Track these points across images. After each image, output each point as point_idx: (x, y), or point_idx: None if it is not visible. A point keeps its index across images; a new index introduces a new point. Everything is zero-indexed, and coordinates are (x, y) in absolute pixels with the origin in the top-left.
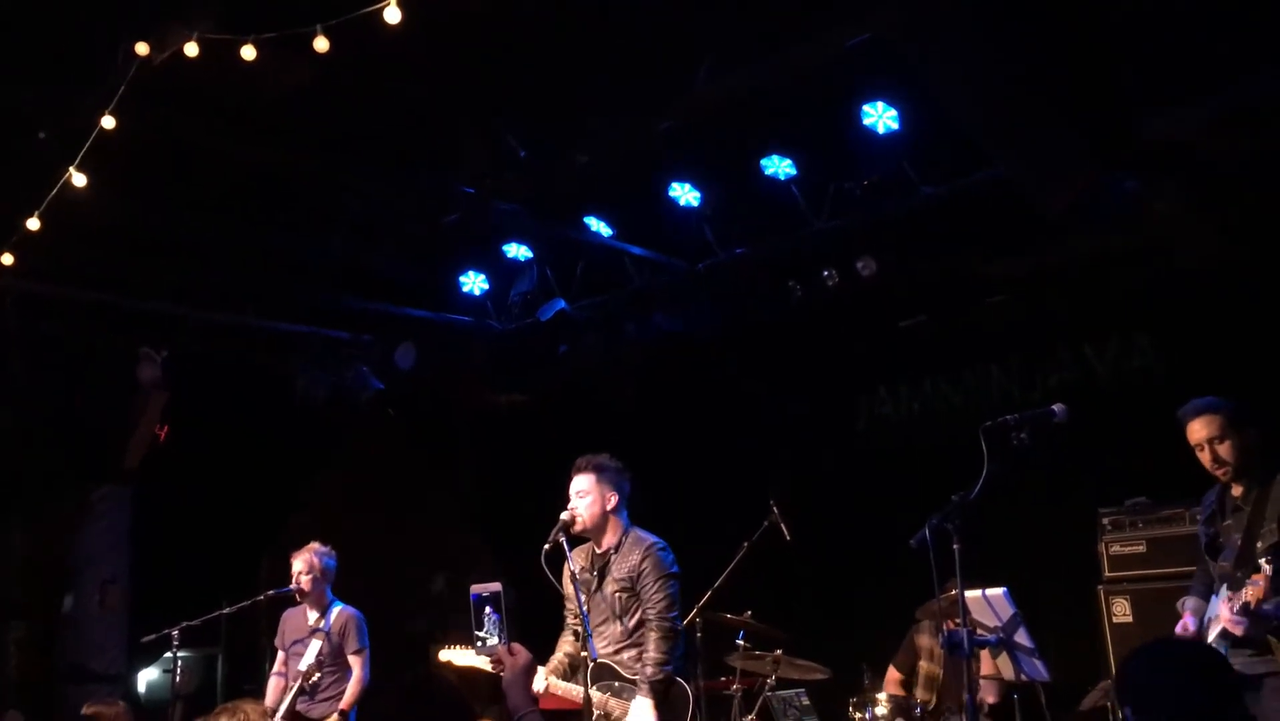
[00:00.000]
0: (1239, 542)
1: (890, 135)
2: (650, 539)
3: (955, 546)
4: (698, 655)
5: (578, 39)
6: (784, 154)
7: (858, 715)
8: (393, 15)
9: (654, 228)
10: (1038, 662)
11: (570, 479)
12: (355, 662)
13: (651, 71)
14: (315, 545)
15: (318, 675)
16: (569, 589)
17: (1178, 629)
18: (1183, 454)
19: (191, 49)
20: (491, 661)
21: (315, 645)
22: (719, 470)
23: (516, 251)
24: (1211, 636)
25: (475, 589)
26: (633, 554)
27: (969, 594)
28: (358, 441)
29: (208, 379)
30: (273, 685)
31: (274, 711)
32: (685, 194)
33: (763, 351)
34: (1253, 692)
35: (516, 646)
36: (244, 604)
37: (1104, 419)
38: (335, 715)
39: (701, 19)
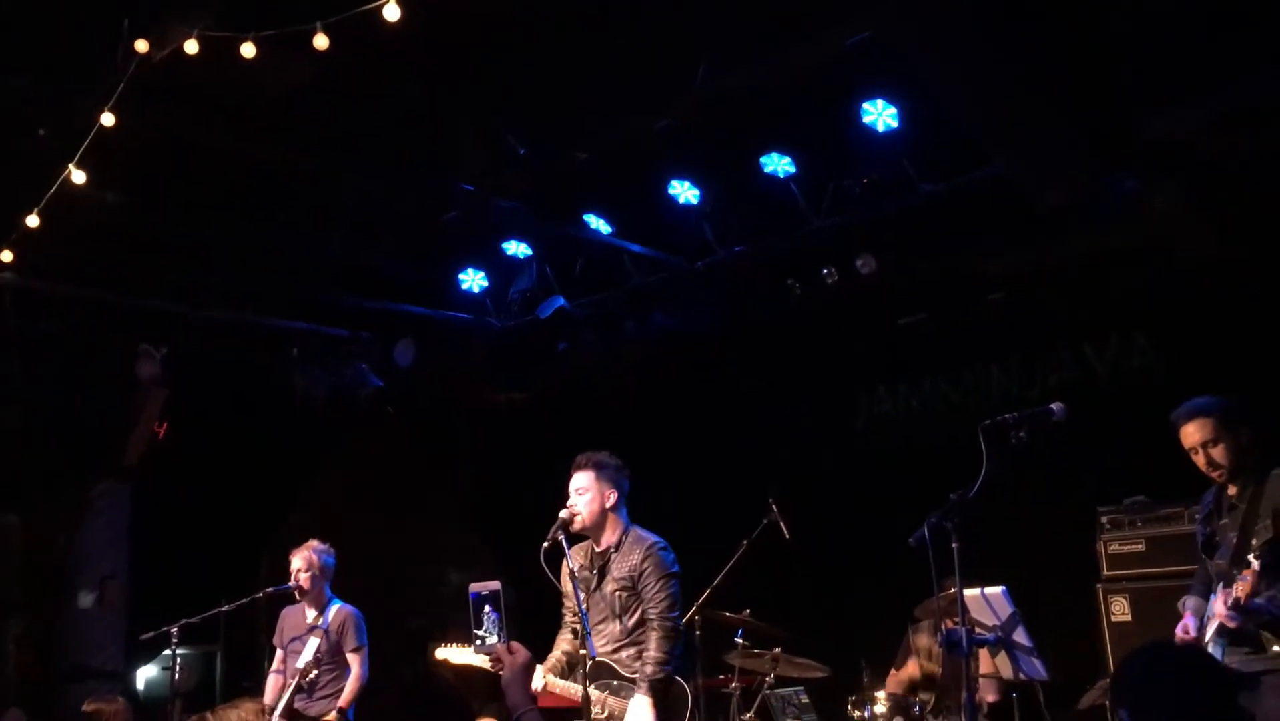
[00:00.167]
0: (1234, 540)
1: (890, 133)
2: (651, 538)
3: (954, 545)
4: (697, 653)
5: (577, 36)
6: (783, 152)
7: (856, 713)
8: (392, 13)
9: (653, 225)
10: (1036, 661)
11: (569, 476)
12: (354, 660)
13: (651, 69)
14: (314, 543)
15: (316, 672)
16: (568, 587)
17: (1178, 628)
18: (1182, 453)
19: (191, 46)
20: (490, 660)
21: (314, 642)
22: (718, 468)
23: (516, 249)
24: (1209, 634)
25: (474, 587)
26: (633, 553)
27: (968, 592)
28: (357, 439)
29: (207, 376)
30: (271, 682)
31: (272, 709)
32: (685, 191)
33: (762, 349)
34: (1251, 691)
35: (515, 645)
36: (243, 601)
37: (1103, 418)
38: (334, 713)
39: (702, 17)
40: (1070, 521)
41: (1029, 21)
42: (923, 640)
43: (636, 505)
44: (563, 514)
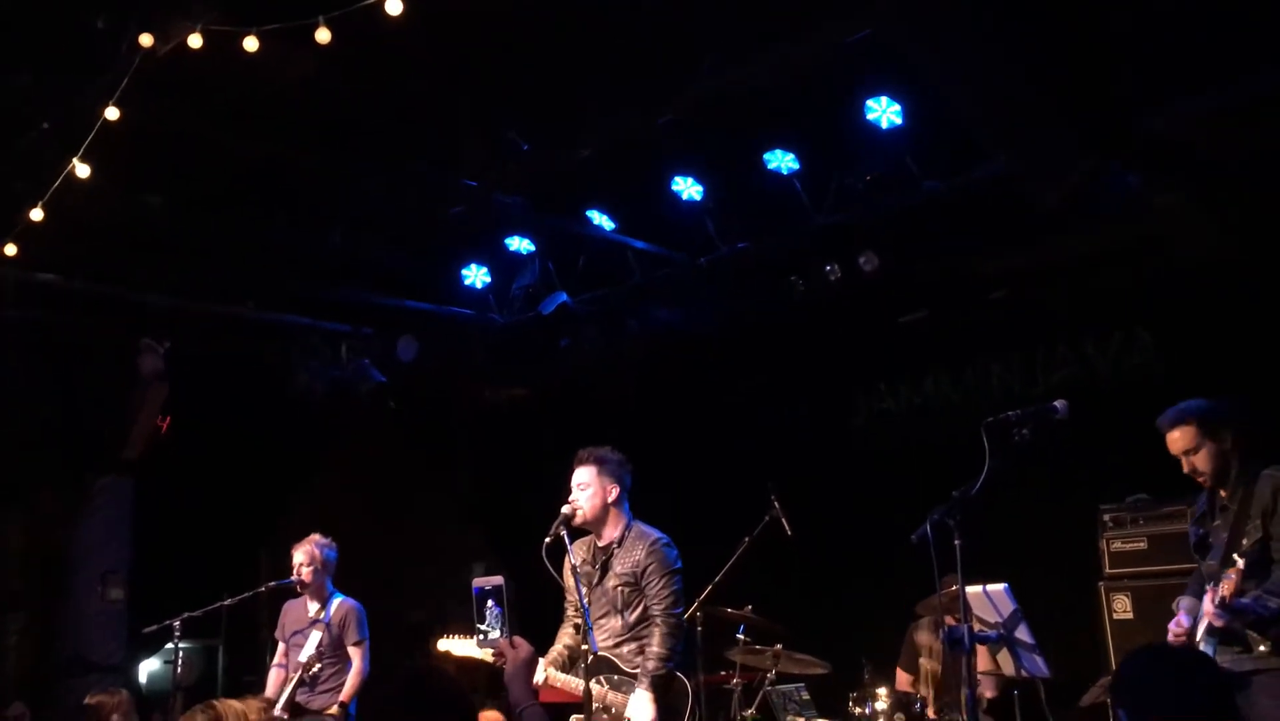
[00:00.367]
0: (1225, 541)
1: (893, 130)
2: (654, 534)
3: (956, 542)
4: (698, 649)
5: (581, 32)
6: (787, 148)
7: (857, 710)
8: (394, 7)
9: (656, 222)
10: (1038, 659)
11: (571, 471)
12: (355, 654)
13: (655, 65)
14: (316, 537)
15: (318, 666)
16: (569, 581)
17: (1171, 625)
18: None
19: (195, 40)
20: (493, 654)
21: (315, 636)
22: (719, 465)
23: (518, 245)
24: (1199, 633)
25: (477, 582)
26: (636, 549)
27: (970, 589)
28: (358, 434)
29: (209, 371)
30: (273, 676)
31: (274, 702)
32: (688, 188)
33: (763, 346)
34: (1243, 691)
35: (519, 639)
36: (245, 595)
37: (1105, 416)
38: (335, 706)
39: (705, 12)
40: (1072, 519)
41: (1029, 20)
42: (923, 637)
43: (638, 502)
44: (565, 509)
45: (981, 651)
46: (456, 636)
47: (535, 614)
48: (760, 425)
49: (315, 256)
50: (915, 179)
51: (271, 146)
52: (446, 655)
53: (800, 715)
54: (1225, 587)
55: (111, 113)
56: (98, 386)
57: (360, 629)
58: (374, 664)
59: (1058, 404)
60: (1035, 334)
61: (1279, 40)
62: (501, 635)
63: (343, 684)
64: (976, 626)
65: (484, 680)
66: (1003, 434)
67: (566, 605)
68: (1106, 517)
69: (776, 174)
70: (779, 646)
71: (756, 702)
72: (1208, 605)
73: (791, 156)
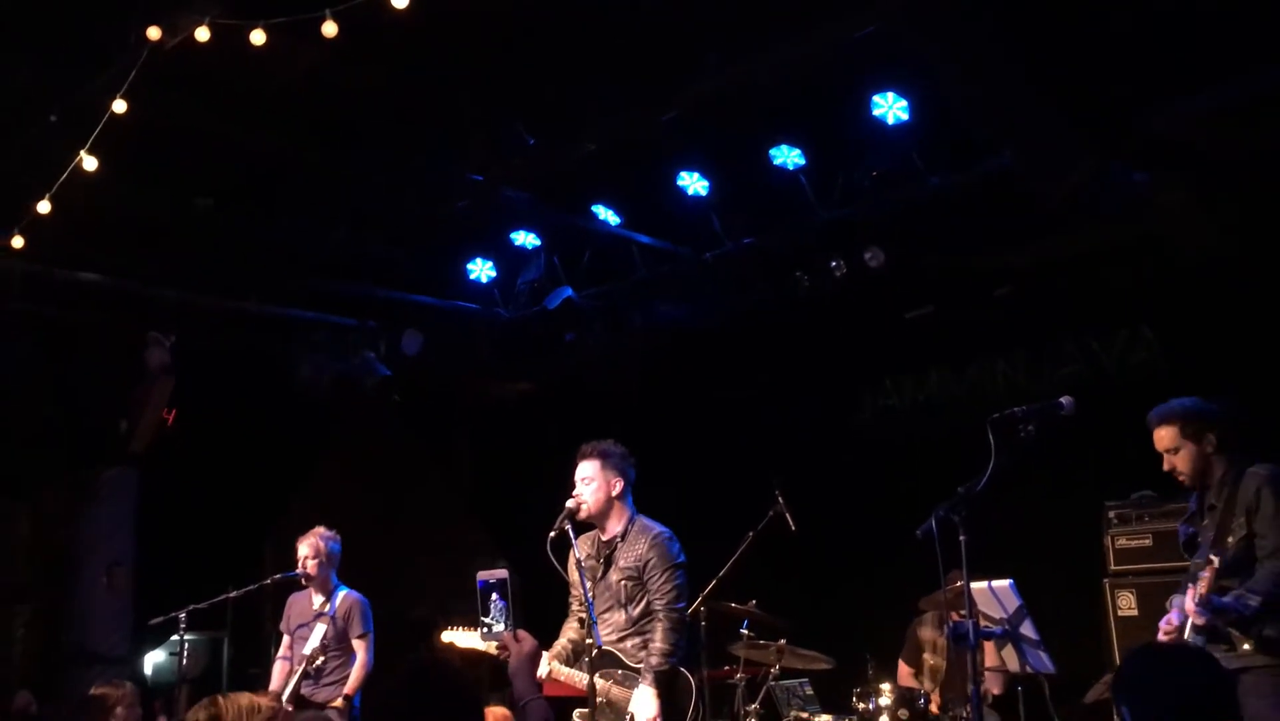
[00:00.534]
0: (1211, 540)
1: (900, 126)
2: (657, 527)
3: (961, 538)
4: (702, 644)
5: (587, 27)
6: (793, 144)
7: (861, 705)
8: (400, 0)
9: (662, 217)
10: (1043, 655)
11: (575, 466)
12: (359, 647)
13: (661, 60)
14: (320, 529)
15: (322, 659)
16: (574, 576)
17: (1161, 623)
18: None
19: (203, 33)
20: (497, 647)
21: (320, 629)
22: (724, 460)
23: (524, 239)
24: (1187, 631)
25: (481, 575)
26: (639, 542)
27: (975, 585)
28: (362, 427)
29: (215, 364)
30: (278, 669)
31: (279, 695)
32: (693, 183)
33: (768, 342)
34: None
35: (522, 633)
36: (250, 587)
37: (1110, 412)
38: (340, 699)
39: (711, 7)
40: (1077, 515)
41: (1033, 16)
42: (927, 632)
43: (642, 497)
44: (569, 503)
45: (986, 647)
46: (460, 629)
47: (539, 608)
48: (765, 420)
49: (321, 250)
50: (921, 175)
51: (278, 140)
52: (450, 647)
53: (804, 710)
54: (1201, 585)
55: (119, 106)
56: (104, 379)
57: (365, 621)
58: (378, 657)
59: (1064, 400)
60: (1040, 330)
61: None
62: (505, 628)
63: (347, 676)
64: (981, 622)
65: (488, 673)
66: (1008, 430)
67: (571, 599)
68: (1111, 514)
69: (782, 169)
70: (783, 641)
71: (760, 697)
72: (1188, 603)
73: (797, 152)
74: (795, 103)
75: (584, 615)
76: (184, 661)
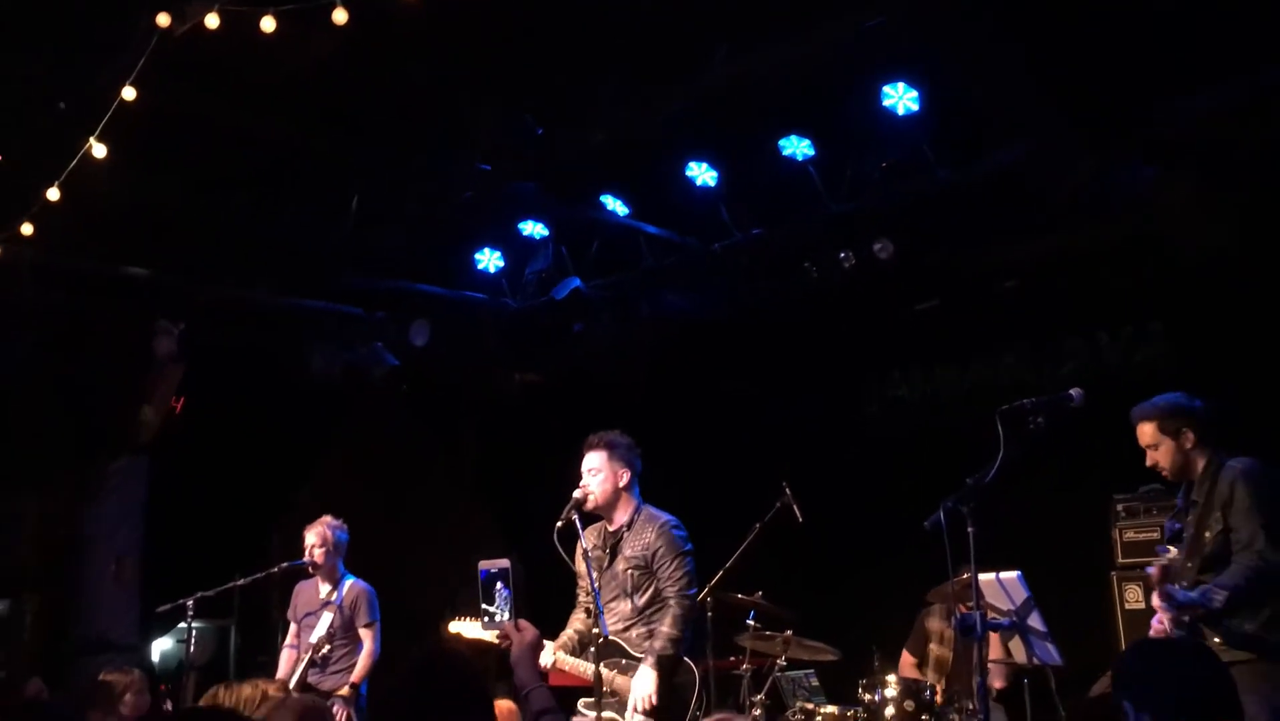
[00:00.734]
0: (1192, 535)
1: (910, 117)
2: (663, 516)
3: (969, 530)
4: (708, 636)
5: (596, 16)
6: (802, 135)
7: (867, 697)
8: None
9: (670, 207)
10: (1050, 647)
11: (581, 456)
12: (366, 636)
13: (669, 50)
14: (328, 519)
15: (329, 647)
16: (581, 566)
17: (1154, 621)
18: None
19: (212, 21)
20: (498, 636)
21: (327, 618)
22: (731, 451)
23: (532, 229)
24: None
25: (483, 565)
26: (645, 531)
27: (983, 577)
28: (370, 417)
29: (223, 353)
30: (285, 657)
31: (286, 683)
32: (702, 174)
33: (776, 333)
34: None
35: (523, 623)
36: (257, 576)
37: (1118, 405)
38: (346, 687)
39: None
40: (1085, 508)
41: (1036, 13)
42: (934, 623)
43: (649, 488)
44: (576, 493)
45: (993, 639)
46: (468, 619)
47: (545, 598)
48: (772, 412)
49: (329, 240)
50: (931, 166)
51: (287, 129)
52: (458, 637)
53: (809, 701)
54: (1152, 578)
55: (128, 93)
56: (113, 368)
57: (371, 610)
58: (384, 646)
59: (1073, 392)
60: (1048, 324)
61: None
62: (507, 617)
63: (354, 665)
64: (989, 614)
65: (495, 663)
66: (1017, 422)
67: (578, 590)
68: (1119, 507)
69: (791, 160)
70: (789, 632)
71: (766, 688)
72: (1155, 599)
73: (807, 143)
74: (804, 93)
75: (591, 605)
76: (191, 649)
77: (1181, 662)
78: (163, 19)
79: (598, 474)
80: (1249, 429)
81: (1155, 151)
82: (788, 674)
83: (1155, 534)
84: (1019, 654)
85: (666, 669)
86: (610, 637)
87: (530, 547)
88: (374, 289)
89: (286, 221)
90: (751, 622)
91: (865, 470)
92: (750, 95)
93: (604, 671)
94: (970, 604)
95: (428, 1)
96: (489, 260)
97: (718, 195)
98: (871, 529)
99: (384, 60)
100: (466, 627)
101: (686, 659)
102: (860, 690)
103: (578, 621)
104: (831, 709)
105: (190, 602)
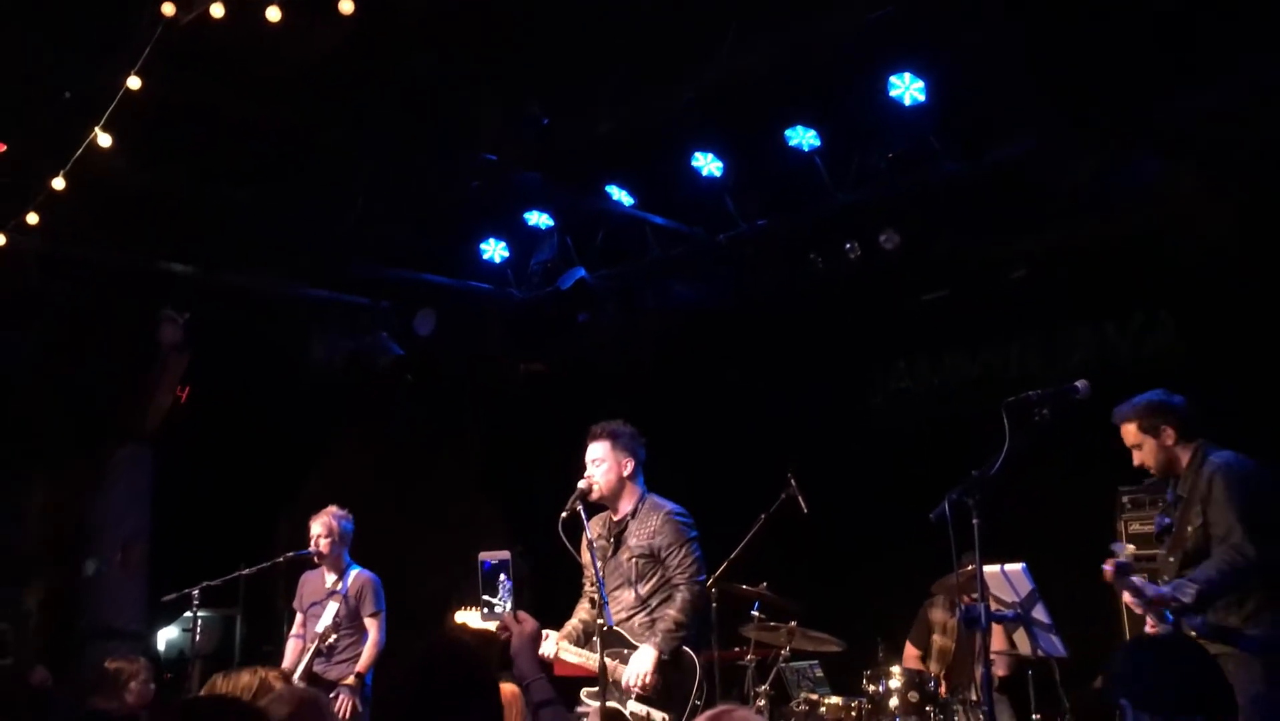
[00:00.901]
0: (1175, 530)
1: (916, 107)
2: (667, 505)
3: (974, 521)
4: (713, 625)
5: (602, 6)
6: (808, 125)
7: (871, 687)
8: None
9: (676, 198)
10: (1055, 638)
11: (585, 447)
12: (371, 625)
13: (676, 40)
14: (333, 508)
15: (334, 637)
16: (586, 556)
17: (1150, 617)
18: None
19: (217, 10)
20: (498, 628)
21: (332, 607)
22: (736, 442)
23: (537, 219)
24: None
25: (484, 556)
26: (650, 520)
27: (987, 569)
28: (375, 407)
29: (227, 342)
30: (291, 646)
31: (292, 672)
32: (708, 164)
33: (782, 324)
34: None
35: (523, 614)
36: (263, 565)
37: (1125, 396)
38: (352, 677)
39: None
40: (1091, 500)
41: (1043, 5)
42: (938, 615)
43: (654, 478)
44: (581, 484)
45: (996, 630)
46: (473, 608)
47: (550, 589)
48: (777, 403)
49: (334, 229)
50: (937, 156)
51: (291, 118)
52: (464, 627)
53: (814, 692)
54: (1106, 575)
55: (133, 83)
56: (118, 357)
57: (377, 600)
58: (390, 635)
59: (1079, 384)
60: (1055, 314)
61: None
62: (507, 609)
63: (359, 654)
64: (993, 606)
65: (499, 653)
66: (1023, 413)
67: (584, 580)
68: (1125, 499)
69: (797, 151)
70: (793, 623)
71: (770, 679)
72: (1125, 596)
73: (813, 133)
74: (811, 83)
75: (596, 595)
76: (197, 637)
77: (1180, 660)
78: (168, 8)
79: (601, 464)
80: (1257, 420)
81: (1160, 145)
82: (792, 664)
83: None
84: (1023, 645)
85: (668, 649)
86: (613, 627)
87: (535, 538)
88: (379, 278)
89: (292, 211)
90: (756, 613)
91: (870, 461)
92: (756, 85)
93: (607, 661)
94: (974, 595)
95: None
96: (494, 250)
97: (724, 185)
98: (876, 520)
99: (389, 49)
100: (472, 617)
101: (688, 649)
102: (864, 681)
103: (582, 611)
104: (835, 700)
105: (196, 591)
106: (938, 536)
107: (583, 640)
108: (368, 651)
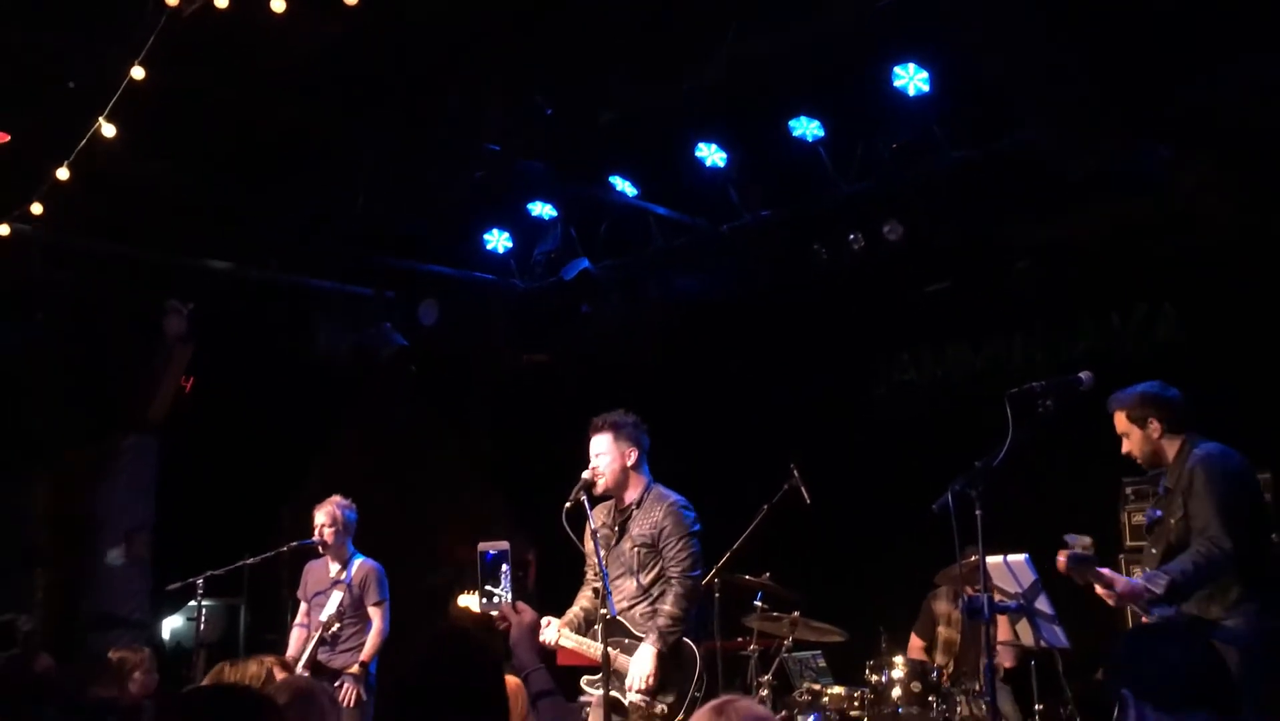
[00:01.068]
0: (1161, 522)
1: (920, 97)
2: (672, 496)
3: (977, 512)
4: (715, 616)
5: None
6: (812, 115)
7: (874, 678)
8: None
9: (679, 188)
10: (1058, 629)
11: (589, 440)
12: (375, 614)
13: (680, 30)
14: (337, 498)
15: (338, 626)
16: (589, 546)
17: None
18: (1208, 424)
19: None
20: (496, 618)
21: (336, 596)
22: (739, 432)
23: (541, 210)
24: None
25: (483, 546)
26: (654, 511)
27: (990, 560)
28: (379, 397)
29: (232, 333)
30: (295, 636)
31: (296, 661)
32: (711, 154)
33: (785, 314)
34: None
35: (521, 605)
36: (267, 555)
37: None
38: (356, 666)
39: None
40: (1094, 491)
41: None
42: (941, 606)
43: (657, 469)
44: (585, 474)
45: (1000, 621)
46: (476, 592)
47: (554, 578)
48: (781, 394)
49: (338, 220)
50: (942, 147)
51: (295, 109)
52: (467, 611)
53: (816, 682)
54: (1060, 566)
55: (137, 72)
56: (123, 347)
57: (380, 589)
58: (393, 624)
59: (1083, 375)
60: (1059, 305)
61: None
62: (506, 599)
63: (363, 643)
64: (997, 596)
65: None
66: (1026, 404)
67: (587, 569)
68: (1128, 490)
69: (801, 141)
70: (796, 614)
71: (773, 669)
72: (1097, 587)
73: (817, 124)
74: (815, 73)
75: (598, 584)
76: (201, 627)
77: (1183, 651)
78: None
79: (605, 456)
80: (1259, 412)
81: (1166, 137)
82: (795, 655)
83: None
84: (1026, 636)
85: (667, 644)
86: (615, 616)
87: (540, 527)
88: (383, 269)
89: (295, 201)
90: (759, 604)
91: (873, 452)
92: (760, 75)
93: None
94: (977, 586)
95: None
96: (498, 240)
97: (727, 176)
98: (879, 511)
99: (393, 40)
100: (474, 601)
101: (687, 640)
102: (867, 671)
103: (584, 599)
104: (838, 690)
105: (200, 581)
106: (941, 527)
107: (584, 628)
108: (371, 640)
